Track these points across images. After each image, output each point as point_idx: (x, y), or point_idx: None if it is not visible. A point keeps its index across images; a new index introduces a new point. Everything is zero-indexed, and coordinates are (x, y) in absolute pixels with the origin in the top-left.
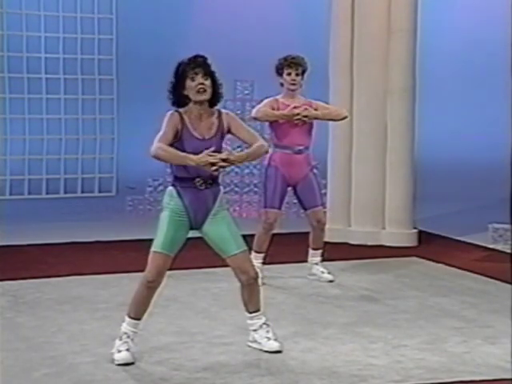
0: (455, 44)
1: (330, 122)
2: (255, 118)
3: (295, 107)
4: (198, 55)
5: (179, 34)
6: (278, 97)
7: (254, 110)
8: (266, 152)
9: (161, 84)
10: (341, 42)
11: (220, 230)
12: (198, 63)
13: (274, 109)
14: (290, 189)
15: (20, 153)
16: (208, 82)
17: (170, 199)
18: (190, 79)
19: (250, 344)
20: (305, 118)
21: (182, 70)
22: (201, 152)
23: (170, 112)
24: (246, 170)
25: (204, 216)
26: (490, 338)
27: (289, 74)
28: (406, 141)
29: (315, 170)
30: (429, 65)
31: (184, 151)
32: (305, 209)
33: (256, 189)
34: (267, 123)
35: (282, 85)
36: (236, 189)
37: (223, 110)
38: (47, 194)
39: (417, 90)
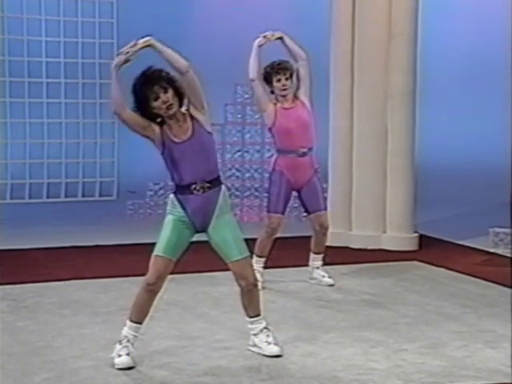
0: (455, 48)
1: (331, 126)
2: (251, 79)
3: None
4: (148, 71)
5: (180, 38)
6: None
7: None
8: (184, 67)
9: None
10: (341, 46)
11: (223, 234)
12: (153, 81)
13: (268, 106)
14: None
15: (21, 157)
16: (170, 95)
17: (173, 207)
18: (153, 100)
19: (251, 348)
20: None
21: (141, 93)
22: (188, 154)
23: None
24: (247, 174)
25: (207, 219)
26: (490, 343)
27: (279, 81)
28: (407, 145)
29: (318, 173)
30: (429, 69)
31: (174, 158)
32: (308, 213)
33: (257, 193)
34: (267, 129)
35: (272, 92)
36: (237, 193)
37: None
38: (48, 198)
39: (417, 94)
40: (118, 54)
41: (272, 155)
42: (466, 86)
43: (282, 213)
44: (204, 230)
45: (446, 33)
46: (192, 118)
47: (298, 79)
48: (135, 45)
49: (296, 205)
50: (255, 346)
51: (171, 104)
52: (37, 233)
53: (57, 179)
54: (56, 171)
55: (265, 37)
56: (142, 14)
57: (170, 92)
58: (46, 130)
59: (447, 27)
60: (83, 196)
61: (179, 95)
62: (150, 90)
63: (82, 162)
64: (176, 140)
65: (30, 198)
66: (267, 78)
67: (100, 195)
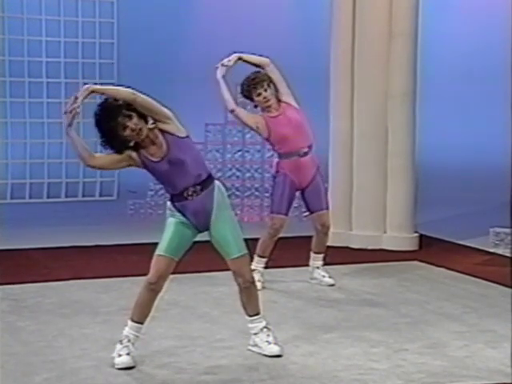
0: (456, 48)
1: (331, 126)
2: (232, 110)
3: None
4: (105, 104)
5: (180, 38)
6: (262, 114)
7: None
8: (130, 95)
9: (161, 89)
10: (342, 46)
11: (223, 233)
12: (115, 113)
13: (257, 122)
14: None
15: (21, 157)
16: (136, 119)
17: (172, 211)
18: (122, 130)
19: (251, 348)
20: (233, 61)
21: (107, 128)
22: (170, 168)
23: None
24: (248, 174)
25: (207, 220)
26: (491, 342)
27: (259, 95)
28: (407, 145)
29: (320, 172)
30: (430, 69)
31: (160, 174)
32: (310, 212)
33: (257, 193)
34: (264, 139)
35: (256, 106)
36: (237, 193)
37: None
38: (48, 197)
39: (418, 94)
40: (64, 113)
41: (273, 155)
42: (466, 86)
43: (286, 214)
44: (207, 228)
45: (446, 33)
46: (162, 131)
47: (274, 84)
48: (76, 99)
49: (296, 205)
50: (256, 345)
51: (140, 128)
52: (37, 233)
53: (57, 179)
54: (56, 171)
55: (223, 65)
56: (142, 14)
57: (135, 116)
58: (46, 130)
59: (447, 27)
60: (83, 196)
61: (142, 115)
62: (115, 121)
63: None
64: (154, 159)
65: (31, 197)
66: (247, 96)
67: (100, 195)
